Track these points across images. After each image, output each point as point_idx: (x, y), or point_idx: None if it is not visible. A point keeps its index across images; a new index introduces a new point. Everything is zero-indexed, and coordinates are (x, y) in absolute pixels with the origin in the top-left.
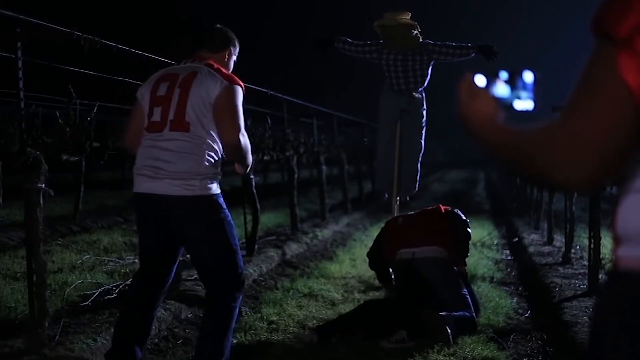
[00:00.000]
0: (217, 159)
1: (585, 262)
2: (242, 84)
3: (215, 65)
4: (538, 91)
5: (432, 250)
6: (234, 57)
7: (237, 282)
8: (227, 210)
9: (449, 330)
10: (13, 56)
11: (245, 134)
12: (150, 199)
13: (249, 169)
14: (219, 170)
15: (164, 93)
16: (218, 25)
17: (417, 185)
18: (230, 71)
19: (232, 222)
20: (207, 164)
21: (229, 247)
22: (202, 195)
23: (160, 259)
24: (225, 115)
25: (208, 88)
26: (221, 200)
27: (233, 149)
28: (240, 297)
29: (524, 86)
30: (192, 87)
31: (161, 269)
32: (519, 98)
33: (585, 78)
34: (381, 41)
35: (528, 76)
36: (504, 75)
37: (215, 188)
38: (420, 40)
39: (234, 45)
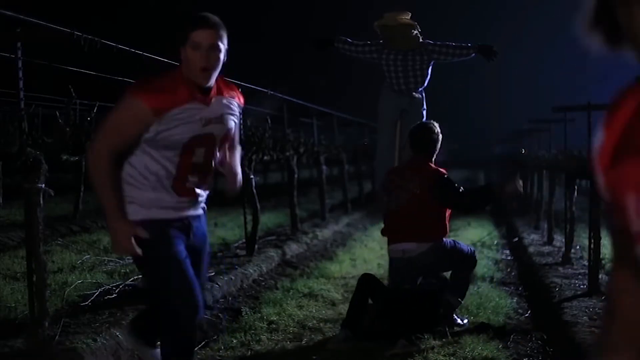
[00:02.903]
0: (132, 180)
1: (585, 262)
2: (135, 90)
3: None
4: None
5: (420, 247)
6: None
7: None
8: (153, 239)
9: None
10: (13, 56)
11: (97, 147)
12: None
13: None
14: (142, 193)
15: None
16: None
17: None
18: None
19: (158, 249)
20: (125, 185)
21: (153, 283)
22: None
23: None
24: None
25: None
26: (145, 228)
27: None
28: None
29: None
30: None
31: None
32: None
33: None
34: (381, 41)
35: None
36: None
37: (131, 213)
38: (420, 40)
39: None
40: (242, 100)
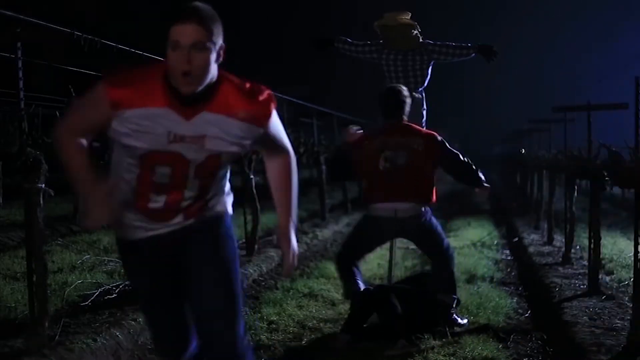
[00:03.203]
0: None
1: (585, 262)
2: (106, 76)
3: None
4: None
5: (415, 208)
6: None
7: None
8: (128, 272)
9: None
10: (13, 56)
11: (58, 127)
12: None
13: None
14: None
15: None
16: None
17: None
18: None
19: (134, 284)
20: None
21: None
22: None
23: None
24: None
25: None
26: (119, 250)
27: None
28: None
29: None
30: None
31: None
32: None
33: None
34: (381, 41)
35: None
36: None
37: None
38: (420, 40)
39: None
40: (267, 114)
